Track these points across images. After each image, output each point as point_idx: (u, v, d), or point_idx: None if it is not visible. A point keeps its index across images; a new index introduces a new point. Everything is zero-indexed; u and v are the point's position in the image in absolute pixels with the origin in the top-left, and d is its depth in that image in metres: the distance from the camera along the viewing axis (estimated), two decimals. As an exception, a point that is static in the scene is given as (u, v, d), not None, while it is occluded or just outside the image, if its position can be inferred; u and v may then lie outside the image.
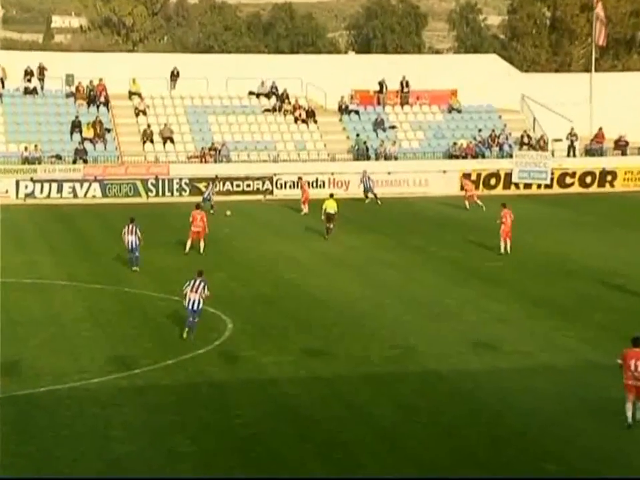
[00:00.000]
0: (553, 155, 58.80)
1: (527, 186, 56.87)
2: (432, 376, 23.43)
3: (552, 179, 57.16)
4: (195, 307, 25.89)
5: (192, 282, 26.15)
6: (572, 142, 59.74)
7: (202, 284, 26.03)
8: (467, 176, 52.87)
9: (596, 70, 64.50)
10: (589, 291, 32.17)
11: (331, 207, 41.13)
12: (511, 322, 28.38)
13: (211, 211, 45.95)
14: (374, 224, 44.83)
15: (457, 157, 58.52)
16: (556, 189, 56.94)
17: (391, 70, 62.55)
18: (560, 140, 60.28)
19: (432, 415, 20.90)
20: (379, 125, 60.47)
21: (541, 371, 23.84)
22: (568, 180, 57.76)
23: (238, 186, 54.50)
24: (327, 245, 40.37)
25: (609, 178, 58.00)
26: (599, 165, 58.42)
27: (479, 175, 56.90)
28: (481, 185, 56.80)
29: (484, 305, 30.30)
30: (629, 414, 19.94)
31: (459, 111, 62.67)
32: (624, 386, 20.07)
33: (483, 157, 58.88)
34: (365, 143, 58.24)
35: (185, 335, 26.05)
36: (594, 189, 57.37)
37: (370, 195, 52.08)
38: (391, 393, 22.29)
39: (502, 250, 37.99)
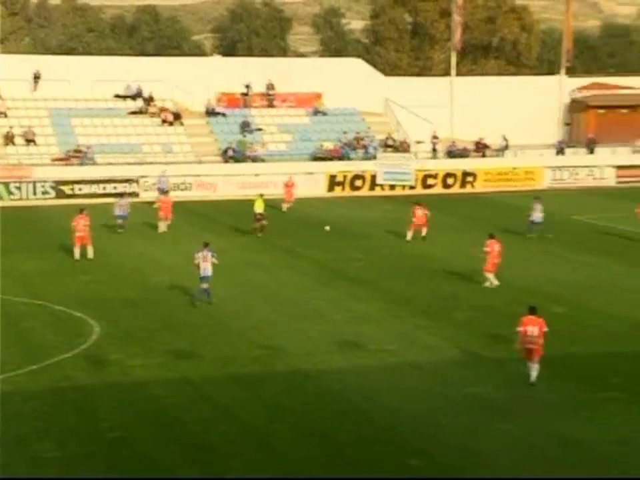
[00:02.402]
0: (416, 156, 59.76)
1: (392, 187, 57.65)
2: (299, 376, 23.52)
3: (415, 181, 58.07)
4: (208, 274, 29.78)
5: (200, 253, 30.10)
6: (434, 145, 60.85)
7: (209, 253, 30.07)
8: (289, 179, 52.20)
9: (456, 74, 65.83)
10: (451, 290, 32.78)
11: (259, 206, 42.03)
12: (375, 321, 28.72)
13: (120, 230, 42.99)
14: (241, 225, 44.75)
15: (322, 159, 58.93)
16: (419, 190, 57.85)
17: (257, 73, 62.63)
18: (422, 142, 61.31)
19: (299, 414, 20.98)
20: (245, 127, 60.43)
21: (406, 369, 24.20)
22: (431, 181, 58.77)
23: (104, 188, 53.69)
24: (193, 248, 40.01)
25: (469, 179, 59.28)
26: (460, 166, 59.65)
27: (344, 177, 57.42)
28: (347, 187, 57.35)
29: (349, 305, 30.59)
30: (535, 373, 22.50)
31: (324, 114, 63.12)
32: (522, 350, 22.58)
33: (349, 159, 59.42)
34: (251, 143, 58.33)
35: (196, 303, 29.90)
36: (456, 189, 58.54)
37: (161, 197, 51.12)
38: (258, 393, 22.28)
39: (408, 238, 41.22)
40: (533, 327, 22.50)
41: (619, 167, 61.10)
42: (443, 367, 24.38)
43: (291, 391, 22.50)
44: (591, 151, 62.81)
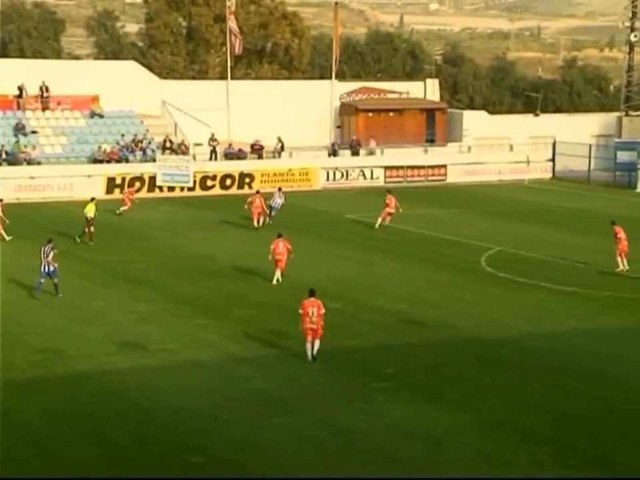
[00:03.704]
0: (194, 158, 59.59)
1: (171, 189, 57.22)
2: (80, 378, 23.01)
3: (194, 182, 57.89)
4: (48, 270, 30.78)
5: (43, 248, 31.08)
6: (214, 147, 60.83)
7: (49, 250, 30.98)
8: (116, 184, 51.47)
9: (231, 78, 66.08)
10: (232, 289, 32.89)
11: (90, 210, 40.87)
12: (156, 321, 28.47)
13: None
14: (18, 229, 43.28)
15: (101, 162, 57.84)
16: (198, 192, 57.68)
17: (30, 74, 60.71)
18: (200, 144, 61.20)
19: (80, 416, 20.53)
20: (19, 129, 58.52)
21: (187, 367, 24.12)
22: (209, 182, 58.72)
23: None
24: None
25: (247, 180, 59.58)
26: (238, 167, 59.88)
27: (123, 179, 56.54)
28: (126, 189, 56.38)
29: (130, 306, 30.20)
30: (309, 352, 24.04)
31: (102, 116, 61.97)
32: (303, 330, 24.06)
33: (127, 161, 58.59)
34: (25, 146, 56.46)
35: (37, 294, 30.88)
36: (234, 190, 58.66)
37: None
38: (37, 398, 21.64)
39: (255, 224, 44.34)
40: (312, 308, 23.94)
41: (387, 168, 63.00)
42: (224, 364, 24.45)
43: (71, 393, 21.99)
44: (356, 153, 64.37)
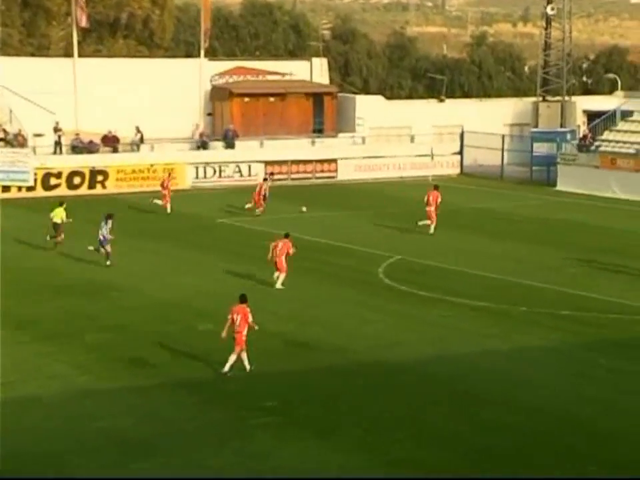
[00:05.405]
0: (34, 152, 58.68)
1: (6, 189, 56.29)
2: None
3: (35, 180, 57.03)
4: None
5: None
6: (59, 137, 60.04)
7: None
8: None
9: (79, 55, 65.31)
10: (81, 309, 32.53)
11: (58, 215, 41.63)
12: (-12, 349, 27.99)
13: (108, 262, 38.46)
14: None
15: None
16: (40, 192, 56.83)
17: None
18: (42, 135, 60.31)
19: None
20: None
21: (26, 404, 23.81)
22: (53, 181, 57.91)
23: None
24: None
25: (99, 178, 58.95)
26: (88, 163, 59.19)
27: (-53, 178, 55.46)
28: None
29: (-43, 331, 29.63)
30: (229, 363, 25.27)
31: None
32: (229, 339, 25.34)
33: (-49, 155, 57.51)
34: None
35: None
36: (84, 190, 57.98)
37: None
38: None
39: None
40: (237, 315, 25.42)
41: (268, 163, 63.03)
42: (71, 399, 24.22)
43: None
44: (230, 145, 64.34)
